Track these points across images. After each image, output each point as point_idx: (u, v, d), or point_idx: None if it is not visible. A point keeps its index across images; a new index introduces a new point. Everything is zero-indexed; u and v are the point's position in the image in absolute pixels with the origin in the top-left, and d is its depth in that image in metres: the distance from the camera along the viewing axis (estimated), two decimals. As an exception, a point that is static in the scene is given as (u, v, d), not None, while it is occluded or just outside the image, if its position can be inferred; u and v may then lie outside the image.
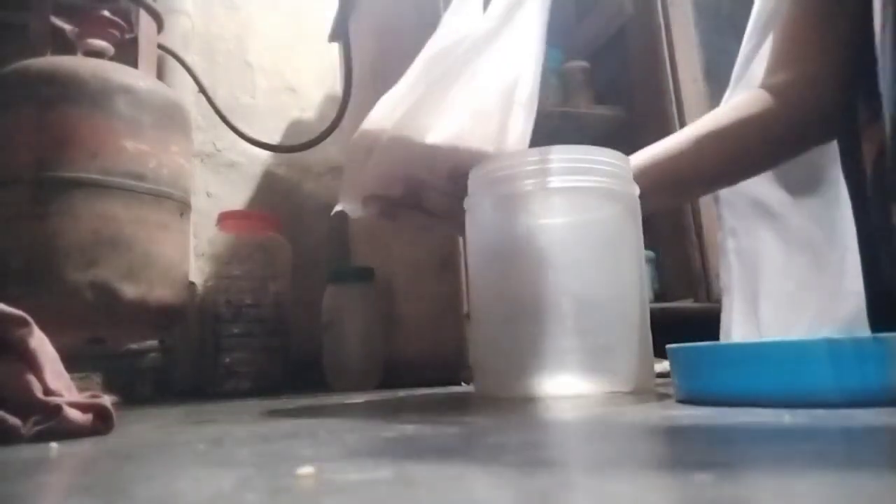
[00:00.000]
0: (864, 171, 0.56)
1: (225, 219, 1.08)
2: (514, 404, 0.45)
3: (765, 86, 0.62)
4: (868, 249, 0.60)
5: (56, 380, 0.37)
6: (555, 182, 0.48)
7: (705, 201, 1.03)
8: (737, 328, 0.73)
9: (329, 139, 1.13)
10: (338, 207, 0.58)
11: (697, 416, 0.33)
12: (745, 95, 0.63)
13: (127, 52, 0.92)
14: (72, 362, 0.41)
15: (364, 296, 1.01)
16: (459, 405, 0.48)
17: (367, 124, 0.54)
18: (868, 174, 0.55)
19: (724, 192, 0.75)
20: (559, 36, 0.88)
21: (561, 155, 0.49)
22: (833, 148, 0.64)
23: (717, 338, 0.75)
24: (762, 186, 0.73)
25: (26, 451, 0.31)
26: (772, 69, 0.62)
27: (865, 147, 0.56)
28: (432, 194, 0.55)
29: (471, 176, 0.51)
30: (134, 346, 0.97)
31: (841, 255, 0.68)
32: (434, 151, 0.51)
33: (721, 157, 0.61)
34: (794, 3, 0.61)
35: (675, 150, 0.61)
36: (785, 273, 0.72)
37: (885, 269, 0.56)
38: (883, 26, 0.48)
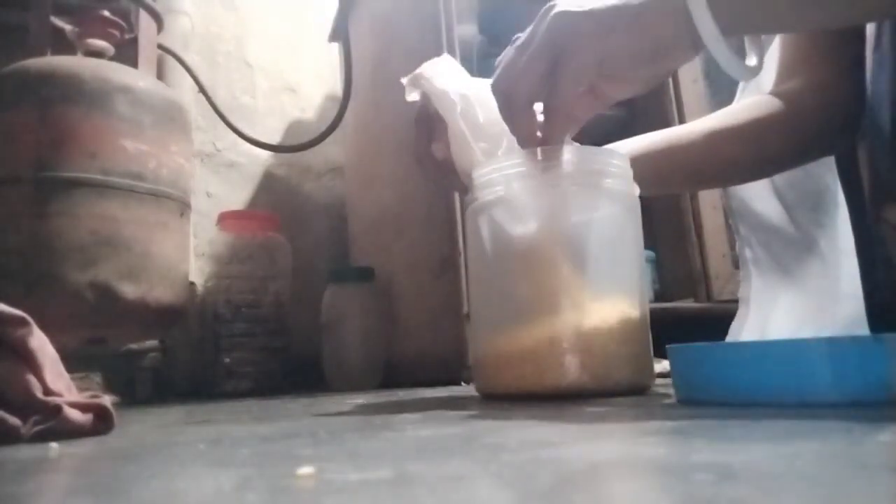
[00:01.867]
0: (860, 175, 0.56)
1: (225, 219, 1.08)
2: (514, 404, 0.45)
3: (774, 93, 0.62)
4: (865, 252, 0.60)
5: (56, 380, 0.37)
6: (555, 182, 0.48)
7: (706, 201, 1.02)
8: (745, 336, 0.72)
9: (329, 139, 1.13)
10: (407, 87, 0.56)
11: (697, 416, 0.33)
12: (756, 98, 0.62)
13: (127, 52, 0.92)
14: (72, 362, 0.41)
15: (364, 296, 1.01)
16: (459, 405, 0.48)
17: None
18: (865, 177, 0.55)
19: (736, 203, 0.75)
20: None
21: (561, 155, 0.49)
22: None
23: (717, 338, 0.75)
24: (761, 200, 0.73)
25: (26, 451, 0.31)
26: (781, 78, 0.62)
27: (861, 150, 0.56)
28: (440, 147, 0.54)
29: (472, 176, 0.51)
30: (134, 346, 0.97)
31: (837, 258, 0.68)
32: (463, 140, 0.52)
33: (731, 152, 0.61)
34: None
35: (686, 141, 0.60)
36: (795, 285, 0.71)
37: (880, 271, 0.56)
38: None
